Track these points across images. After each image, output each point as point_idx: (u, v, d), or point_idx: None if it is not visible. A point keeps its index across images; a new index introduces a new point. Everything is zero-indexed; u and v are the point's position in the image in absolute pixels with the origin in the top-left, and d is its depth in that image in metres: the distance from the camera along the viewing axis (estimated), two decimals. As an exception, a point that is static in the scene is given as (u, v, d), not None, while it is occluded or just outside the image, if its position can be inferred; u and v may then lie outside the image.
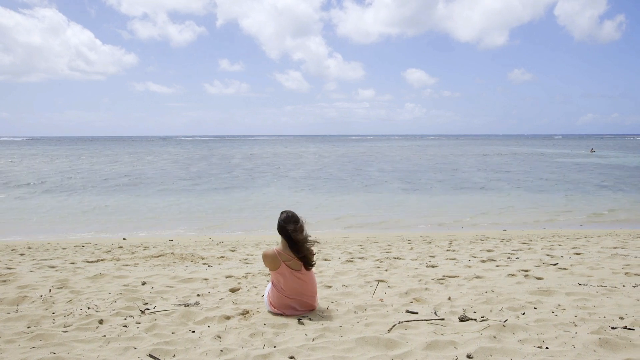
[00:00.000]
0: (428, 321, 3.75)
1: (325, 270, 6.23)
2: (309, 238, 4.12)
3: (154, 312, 4.13)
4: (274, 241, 10.96)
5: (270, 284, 4.24)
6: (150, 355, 2.96)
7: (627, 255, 7.29)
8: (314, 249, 9.81)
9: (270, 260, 4.07)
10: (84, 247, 9.93)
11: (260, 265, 6.95)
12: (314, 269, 4.34)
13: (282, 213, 4.16)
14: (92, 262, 7.66)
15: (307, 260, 4.07)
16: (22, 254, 8.69)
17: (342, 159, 47.70)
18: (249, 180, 26.48)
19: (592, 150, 59.54)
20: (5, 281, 5.50)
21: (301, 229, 4.06)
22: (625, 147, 75.17)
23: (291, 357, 3.00)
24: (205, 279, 5.73)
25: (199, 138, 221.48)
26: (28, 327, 3.65)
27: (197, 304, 4.46)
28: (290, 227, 4.01)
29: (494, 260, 7.16)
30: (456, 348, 3.10)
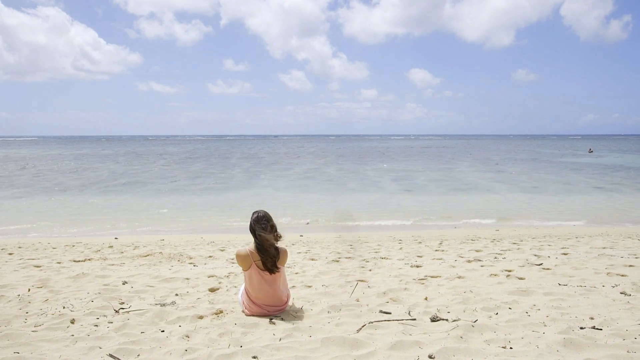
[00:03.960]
0: (399, 321, 3.74)
1: (308, 270, 6.22)
2: (279, 239, 4.08)
3: (128, 312, 4.13)
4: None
5: (244, 283, 4.24)
6: (110, 355, 2.96)
7: (614, 256, 7.28)
8: (304, 248, 9.73)
9: (242, 259, 4.06)
10: (74, 247, 9.93)
11: (245, 265, 6.95)
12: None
13: (253, 213, 4.14)
14: (78, 261, 7.67)
15: (269, 262, 4.02)
16: (10, 253, 8.69)
17: (341, 158, 47.68)
18: (246, 180, 26.49)
19: (590, 151, 59.41)
20: (-14, 281, 5.50)
21: (271, 229, 4.03)
22: (622, 148, 75.05)
23: (254, 357, 3.00)
24: (187, 279, 5.73)
25: (200, 138, 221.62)
26: (-3, 327, 3.66)
27: (173, 303, 4.46)
28: (258, 227, 3.99)
29: (480, 260, 7.15)
30: (421, 348, 3.09)
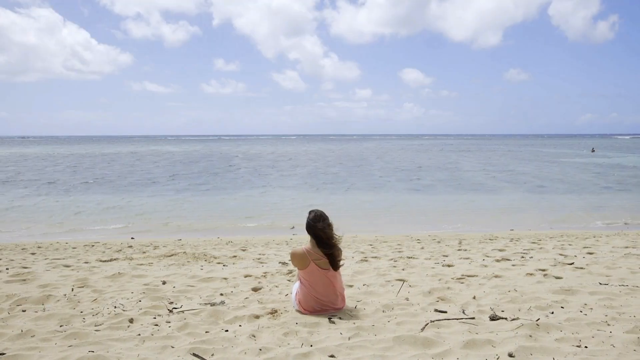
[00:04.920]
0: (459, 320, 3.75)
1: (342, 270, 6.16)
2: (337, 241, 4.10)
3: (183, 312, 4.12)
4: (283, 241, 10.97)
5: (297, 282, 4.24)
6: (194, 354, 2.96)
7: (641, 255, 7.31)
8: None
9: (299, 259, 4.07)
10: (93, 247, 9.92)
11: (275, 265, 6.95)
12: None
13: (310, 212, 4.15)
14: (105, 261, 7.66)
15: (334, 259, 4.06)
16: (33, 253, 8.68)
17: (343, 158, 47.72)
18: (250, 180, 26.46)
19: (593, 150, 59.65)
20: (25, 280, 5.48)
21: (330, 227, 4.06)
22: (624, 147, 75.30)
23: (331, 356, 3.00)
24: (225, 279, 5.72)
25: (198, 138, 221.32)
26: (60, 326, 3.64)
27: (222, 303, 4.46)
28: (320, 225, 4.01)
29: (509, 260, 7.17)
30: (494, 347, 3.10)
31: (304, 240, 9.52)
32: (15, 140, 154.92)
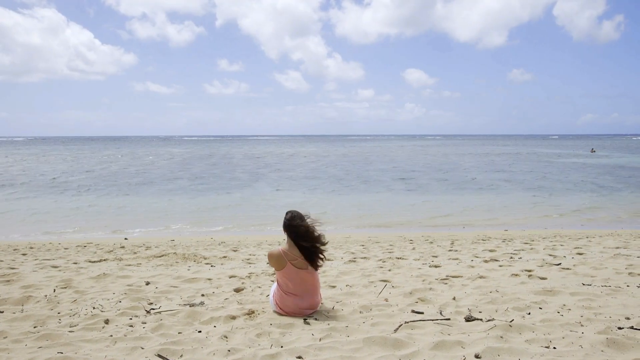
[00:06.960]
0: (434, 321, 3.75)
1: (328, 270, 6.22)
2: (318, 235, 4.06)
3: (160, 312, 4.13)
4: (276, 241, 10.97)
5: (275, 283, 4.24)
6: (159, 355, 2.96)
7: (630, 256, 7.29)
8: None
9: (276, 259, 4.06)
10: (85, 247, 9.93)
11: (263, 265, 6.95)
12: (319, 270, 4.27)
13: (287, 212, 4.15)
14: (94, 262, 7.66)
15: (312, 258, 4.03)
16: (24, 254, 8.69)
17: (343, 158, 47.72)
18: (250, 180, 26.48)
19: (593, 151, 59.62)
20: (9, 281, 5.50)
21: (307, 226, 4.03)
22: (625, 147, 75.13)
23: (299, 357, 3.00)
24: (209, 279, 5.73)
25: (199, 138, 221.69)
26: (34, 327, 3.65)
27: (202, 304, 4.46)
28: (296, 222, 3.99)
29: (497, 260, 7.16)
30: (463, 348, 3.10)
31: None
32: (24, 141, 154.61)
